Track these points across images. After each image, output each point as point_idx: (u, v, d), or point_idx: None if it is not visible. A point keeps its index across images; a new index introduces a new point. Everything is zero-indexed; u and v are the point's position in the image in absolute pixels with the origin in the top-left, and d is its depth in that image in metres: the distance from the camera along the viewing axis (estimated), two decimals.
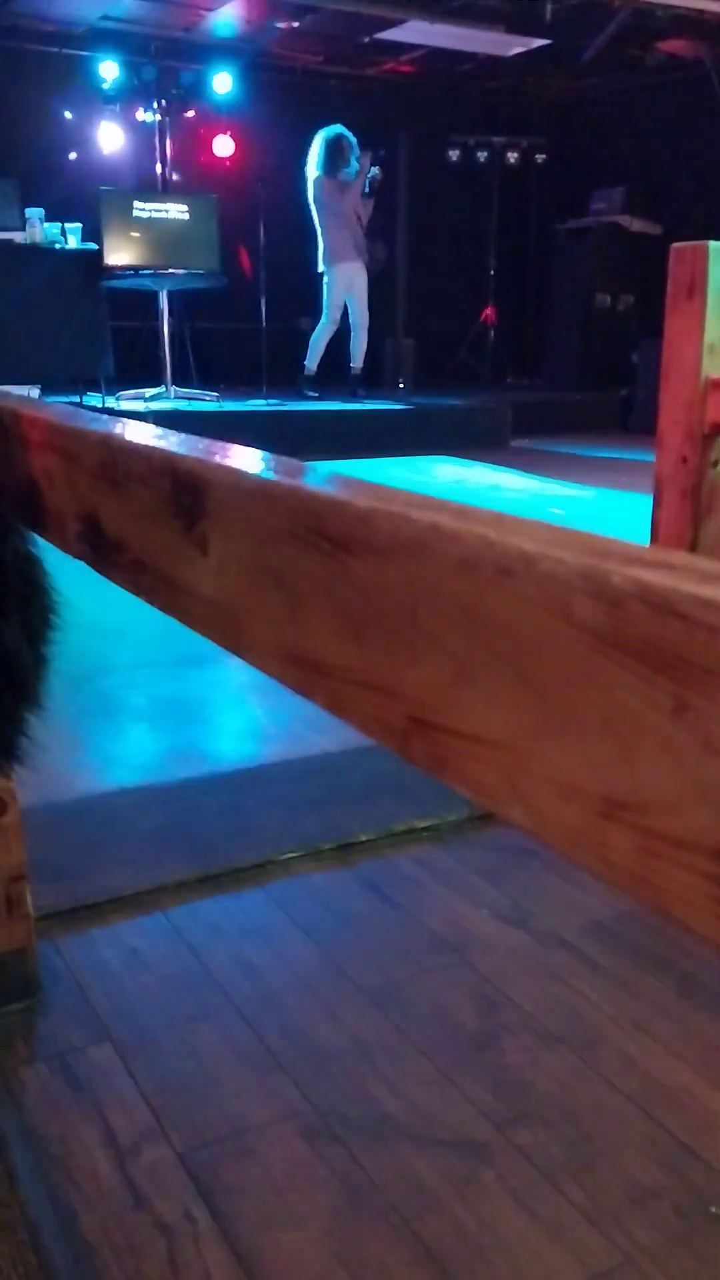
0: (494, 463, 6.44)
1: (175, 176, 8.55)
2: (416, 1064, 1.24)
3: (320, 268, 7.39)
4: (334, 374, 7.70)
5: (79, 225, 7.20)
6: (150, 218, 7.33)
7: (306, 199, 7.31)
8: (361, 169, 7.29)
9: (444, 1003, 1.35)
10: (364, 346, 7.61)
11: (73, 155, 8.08)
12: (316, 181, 7.23)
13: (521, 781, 0.39)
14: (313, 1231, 1.01)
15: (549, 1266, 0.97)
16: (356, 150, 7.26)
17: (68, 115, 8.09)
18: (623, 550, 0.36)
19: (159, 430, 0.72)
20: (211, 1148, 1.11)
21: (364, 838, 1.76)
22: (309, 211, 7.33)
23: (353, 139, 7.24)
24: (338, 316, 7.47)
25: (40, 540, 0.99)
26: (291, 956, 1.45)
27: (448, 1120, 1.15)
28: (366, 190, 7.31)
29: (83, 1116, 1.16)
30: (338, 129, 7.23)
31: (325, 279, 7.42)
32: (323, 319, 7.49)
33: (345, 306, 7.46)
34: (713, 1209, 1.03)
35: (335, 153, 7.21)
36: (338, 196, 7.26)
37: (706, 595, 0.30)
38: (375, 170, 7.39)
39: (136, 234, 7.27)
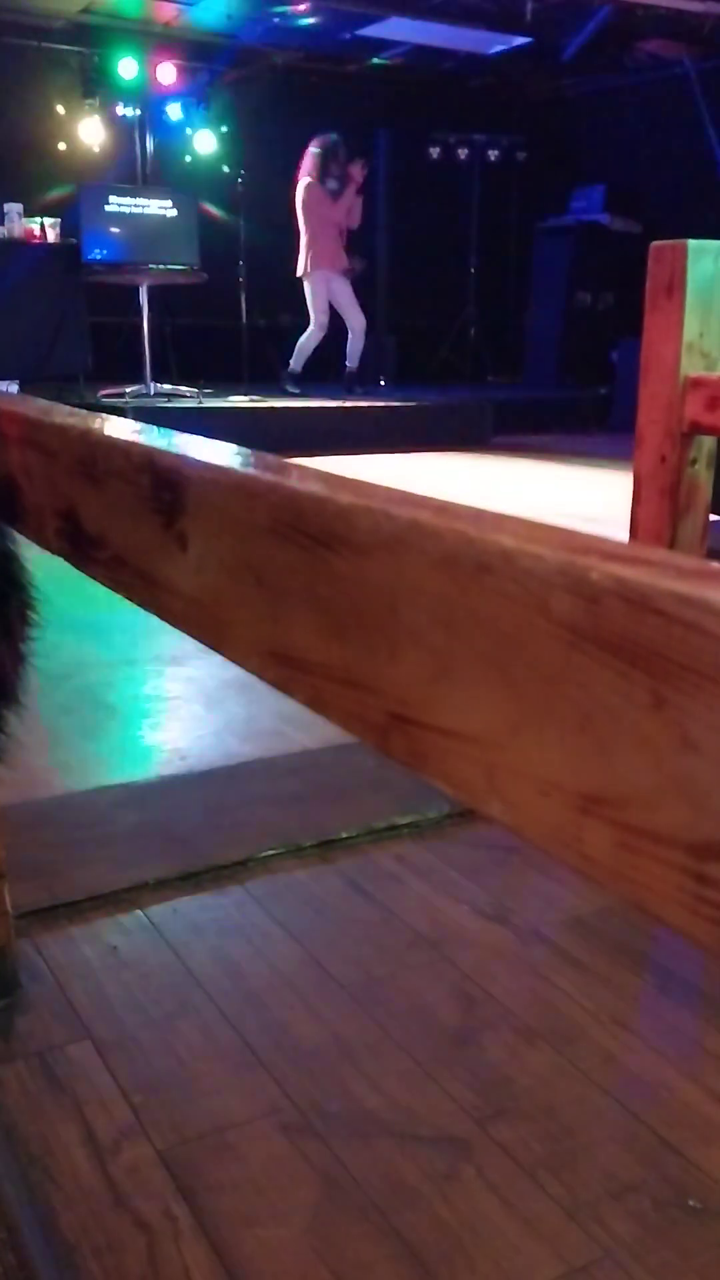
0: (475, 459, 6.45)
1: (155, 172, 8.52)
2: (397, 1060, 1.24)
3: (300, 273, 7.38)
4: (315, 371, 7.70)
5: (58, 220, 7.16)
6: (130, 213, 7.30)
7: (292, 200, 7.29)
8: (353, 182, 7.27)
9: (424, 999, 1.35)
10: (360, 348, 7.64)
11: (58, 147, 8.02)
12: (307, 187, 7.22)
13: (500, 777, 0.39)
14: (293, 1228, 1.01)
15: (528, 1261, 0.98)
16: (326, 153, 7.23)
17: (47, 109, 8.04)
18: (602, 546, 0.36)
19: (139, 426, 0.72)
20: (191, 1145, 1.11)
21: (345, 835, 1.76)
22: (292, 211, 7.31)
23: (333, 145, 7.22)
24: (324, 321, 7.47)
25: (19, 536, 0.99)
26: (272, 954, 1.45)
27: (428, 1116, 1.15)
28: (336, 185, 7.28)
29: (62, 1115, 1.15)
30: (334, 137, 7.22)
31: (306, 286, 7.41)
32: (311, 326, 7.50)
33: (330, 310, 7.46)
34: (691, 1202, 1.04)
35: (330, 161, 7.20)
36: (326, 204, 7.25)
37: (684, 591, 0.31)
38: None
39: (116, 229, 7.24)
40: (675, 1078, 1.21)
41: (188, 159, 8.48)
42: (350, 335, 7.60)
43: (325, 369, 7.76)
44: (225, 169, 8.19)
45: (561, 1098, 1.18)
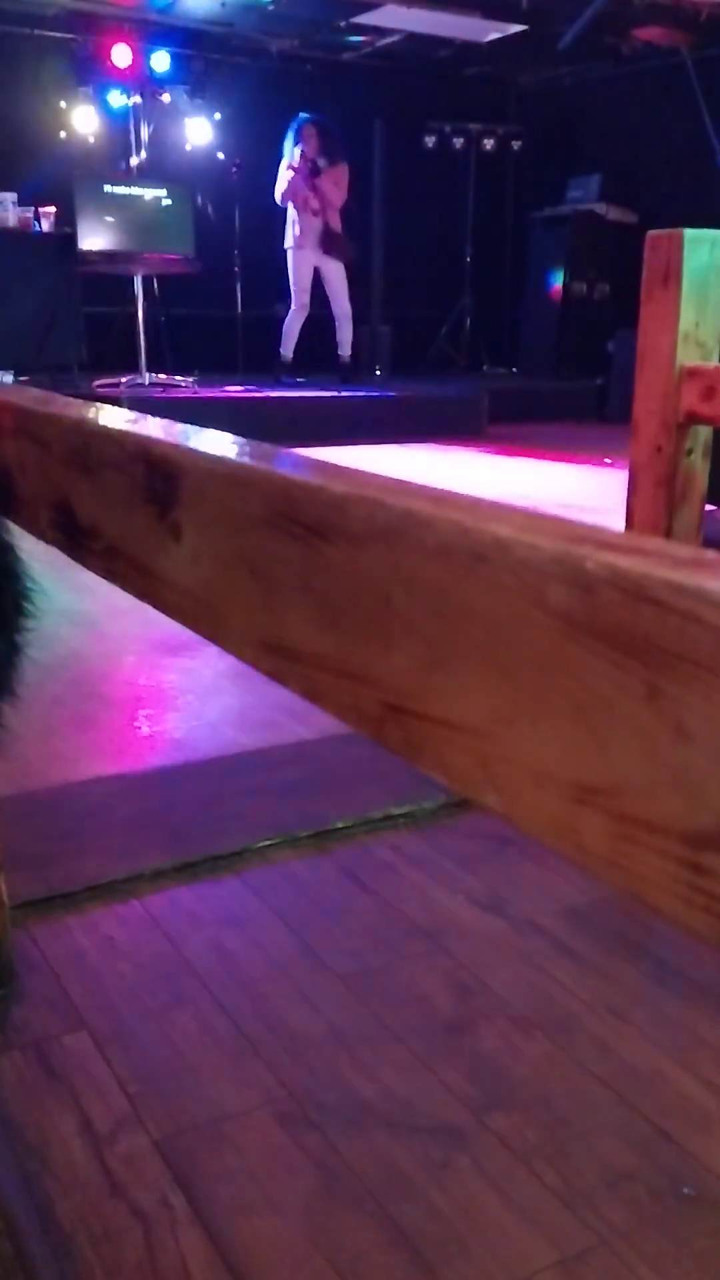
0: (470, 449, 6.45)
1: (150, 161, 8.48)
2: (393, 1050, 1.24)
3: (285, 244, 7.37)
4: (311, 360, 7.68)
5: (53, 209, 7.13)
6: (125, 202, 7.27)
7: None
8: (306, 152, 7.19)
9: (420, 989, 1.36)
10: (349, 335, 7.59)
11: (52, 136, 7.98)
12: (283, 169, 7.22)
13: (496, 767, 0.39)
14: (289, 1217, 1.01)
15: (524, 1249, 0.98)
16: (295, 137, 7.18)
17: (40, 98, 7.99)
18: (597, 536, 0.36)
19: (132, 415, 0.72)
20: (188, 1135, 1.11)
21: (341, 825, 1.77)
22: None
23: (311, 126, 7.15)
24: (305, 301, 7.44)
25: (14, 527, 0.99)
26: (268, 944, 1.45)
27: (424, 1106, 1.16)
28: (311, 170, 7.21)
29: (59, 1105, 1.15)
30: (304, 117, 7.18)
31: (289, 261, 7.39)
32: (292, 306, 7.47)
33: (311, 292, 7.43)
34: (686, 1190, 1.04)
35: (301, 142, 7.17)
36: (299, 185, 7.22)
37: (680, 581, 0.31)
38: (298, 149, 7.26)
39: (111, 219, 7.21)
40: (670, 1067, 1.21)
41: (182, 147, 8.45)
42: (337, 323, 7.56)
43: (320, 359, 7.74)
44: (220, 157, 8.16)
45: (557, 1087, 1.18)
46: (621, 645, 0.32)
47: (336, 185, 7.31)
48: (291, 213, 7.29)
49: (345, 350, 7.61)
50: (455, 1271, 0.96)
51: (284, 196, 7.26)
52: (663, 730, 0.32)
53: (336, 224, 7.37)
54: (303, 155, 7.16)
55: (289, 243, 7.32)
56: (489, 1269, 0.96)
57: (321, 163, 7.20)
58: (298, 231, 7.26)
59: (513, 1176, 1.06)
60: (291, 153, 7.21)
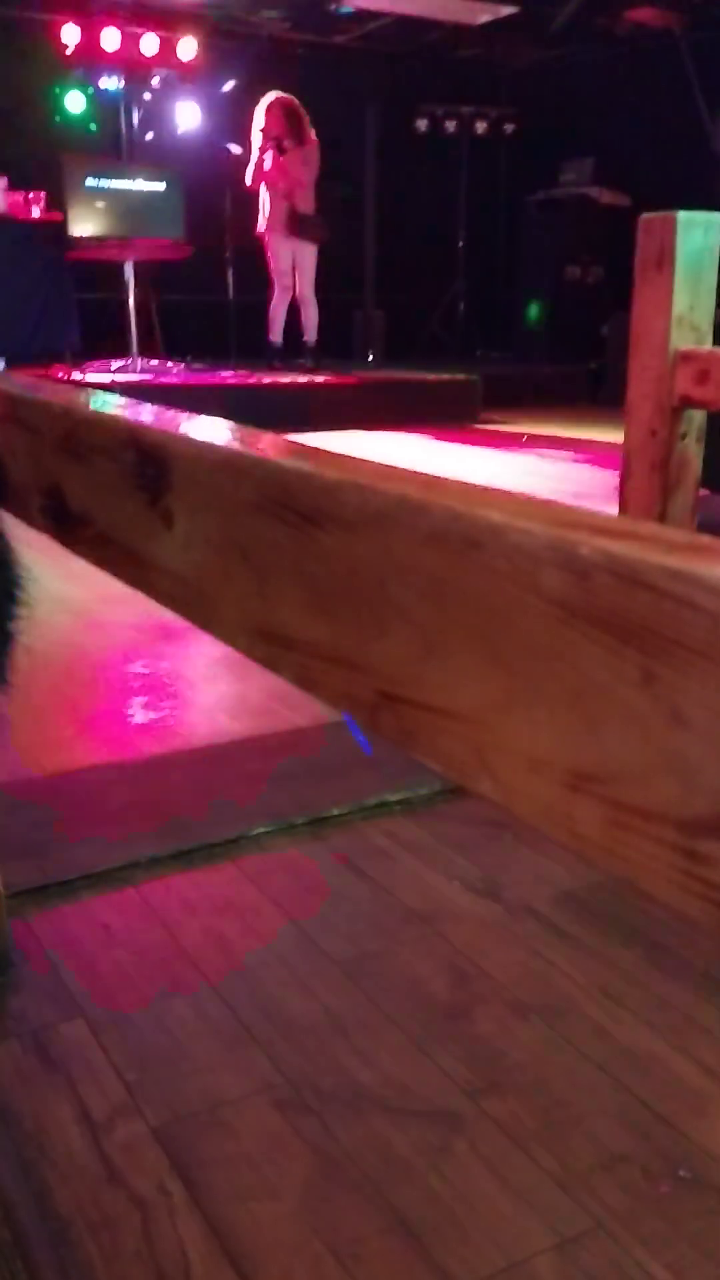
0: (464, 434, 6.43)
1: (140, 146, 8.42)
2: (389, 1035, 1.25)
3: (257, 231, 7.30)
4: (301, 345, 7.64)
5: (42, 194, 7.09)
6: (115, 188, 7.22)
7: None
8: (272, 132, 7.07)
9: (416, 974, 1.36)
10: (313, 318, 7.47)
11: (42, 122, 7.92)
12: (254, 150, 7.14)
13: (490, 754, 0.39)
14: (287, 1203, 1.02)
15: (521, 1232, 0.98)
16: (261, 115, 7.07)
17: (29, 82, 7.93)
18: (591, 521, 0.35)
19: (123, 401, 0.71)
20: (185, 1122, 1.12)
21: (336, 812, 1.77)
22: None
23: (280, 104, 7.03)
24: (287, 283, 7.36)
25: (4, 514, 0.98)
26: (264, 930, 1.45)
27: (420, 1090, 1.16)
28: (277, 149, 7.10)
29: (56, 1093, 1.16)
30: (271, 97, 7.07)
31: (266, 247, 7.33)
32: (276, 290, 7.42)
33: (291, 274, 7.36)
34: (681, 1173, 1.05)
35: (268, 122, 7.06)
36: (261, 169, 7.15)
37: (674, 566, 0.30)
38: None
39: (101, 204, 7.16)
40: (666, 1050, 1.22)
41: (173, 132, 8.39)
42: (301, 306, 7.47)
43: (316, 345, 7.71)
44: (211, 142, 8.10)
45: (553, 1071, 1.19)
46: (616, 631, 0.32)
47: (305, 165, 7.18)
48: (264, 196, 7.20)
49: (310, 335, 7.52)
50: (453, 1255, 0.96)
51: (253, 178, 7.17)
52: (658, 716, 0.31)
53: (307, 206, 7.24)
54: (268, 135, 7.04)
55: (261, 227, 7.25)
56: (487, 1252, 0.96)
57: (288, 143, 7.09)
58: (268, 215, 7.19)
59: (510, 1160, 1.06)
60: (256, 135, 7.11)
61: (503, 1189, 1.03)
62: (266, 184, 7.13)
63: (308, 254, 7.32)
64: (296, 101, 7.10)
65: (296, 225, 7.21)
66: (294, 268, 7.32)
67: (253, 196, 7.30)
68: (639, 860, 0.33)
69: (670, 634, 0.30)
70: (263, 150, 7.08)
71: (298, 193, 7.18)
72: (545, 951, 1.40)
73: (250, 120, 7.24)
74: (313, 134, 7.17)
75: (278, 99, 7.06)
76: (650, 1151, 1.07)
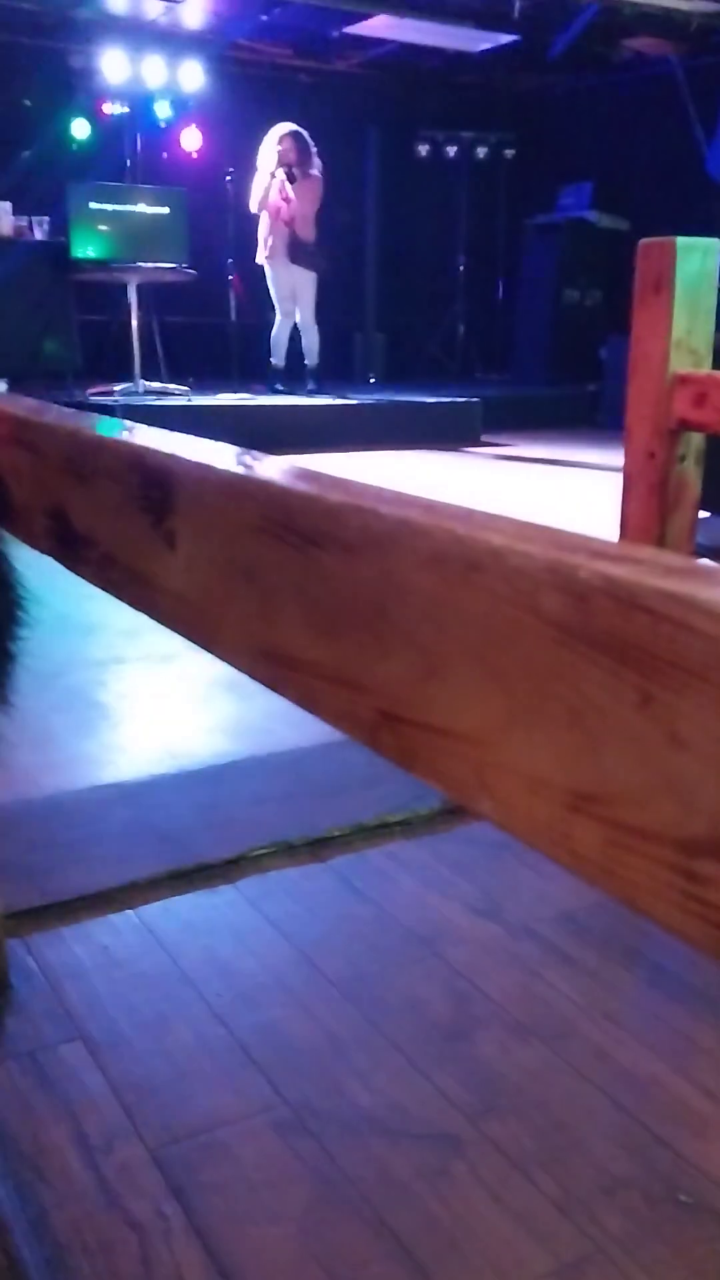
0: (464, 457, 6.46)
1: (143, 170, 8.50)
2: (389, 1057, 1.24)
3: (258, 259, 7.38)
4: (303, 369, 7.69)
5: (46, 218, 7.14)
6: (118, 211, 7.28)
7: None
8: (285, 160, 7.17)
9: (416, 995, 1.36)
10: (315, 343, 7.57)
11: (47, 145, 7.98)
12: (257, 179, 7.24)
13: (490, 774, 0.39)
14: (286, 1227, 1.01)
15: (521, 1257, 0.98)
16: (274, 144, 7.16)
17: (35, 107, 8.01)
18: (590, 545, 0.36)
19: (128, 424, 0.72)
20: (183, 1144, 1.11)
21: (336, 832, 1.77)
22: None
23: (289, 136, 7.15)
24: (288, 309, 7.44)
25: (8, 535, 0.99)
26: (263, 952, 1.45)
27: (420, 1113, 1.15)
28: (288, 177, 7.18)
29: (53, 1115, 1.15)
30: (286, 129, 7.19)
31: (266, 275, 7.41)
32: (278, 316, 7.50)
33: (293, 300, 7.43)
34: (683, 1197, 1.04)
35: (279, 152, 7.17)
36: (268, 196, 7.23)
37: (672, 589, 0.31)
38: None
39: (105, 227, 7.22)
40: (666, 1073, 1.21)
41: (176, 156, 8.46)
42: (302, 333, 7.56)
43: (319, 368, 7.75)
44: (214, 166, 8.17)
45: (553, 1093, 1.18)
46: (615, 653, 0.33)
47: (311, 195, 7.31)
48: (264, 224, 7.29)
49: (312, 360, 7.62)
50: None
51: (259, 204, 7.26)
52: (656, 737, 0.32)
53: (308, 235, 7.35)
54: (280, 163, 7.15)
55: (261, 257, 7.34)
56: (486, 1277, 0.96)
57: (297, 172, 7.20)
58: (270, 243, 7.28)
59: (510, 1184, 1.06)
60: (269, 160, 7.21)
61: (502, 1213, 1.02)
62: (270, 211, 7.21)
63: (308, 282, 7.39)
64: (306, 134, 7.20)
65: (298, 254, 7.29)
66: (294, 295, 7.39)
67: (254, 221, 7.37)
68: (638, 881, 0.34)
69: (668, 656, 0.31)
70: (272, 176, 7.16)
71: (300, 222, 7.26)
72: (545, 973, 1.40)
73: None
74: (319, 166, 7.26)
75: (292, 129, 7.16)
76: (651, 1175, 1.07)
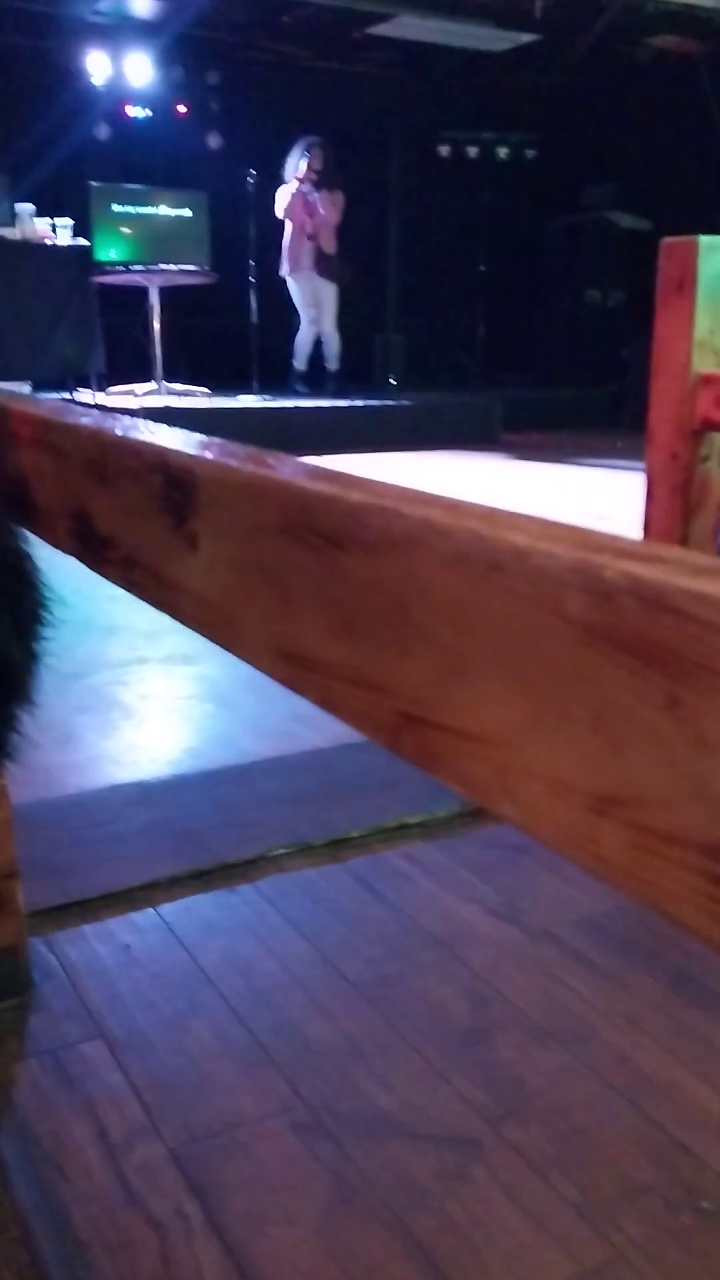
0: (485, 458, 6.44)
1: (166, 171, 8.52)
2: (408, 1059, 1.24)
3: (281, 272, 7.45)
4: (324, 372, 7.71)
5: (69, 221, 7.18)
6: (141, 213, 7.31)
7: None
8: (314, 167, 7.22)
9: (435, 998, 1.35)
10: (336, 349, 7.66)
11: (68, 148, 8.02)
12: (281, 190, 7.29)
13: (513, 777, 0.39)
14: (304, 1227, 1.01)
15: (540, 1261, 0.97)
16: (302, 154, 7.21)
17: (57, 110, 8.04)
18: (615, 544, 0.36)
19: (150, 426, 0.72)
20: (203, 1144, 1.11)
21: (355, 834, 1.76)
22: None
23: (318, 147, 7.20)
24: (312, 315, 7.52)
25: (31, 536, 0.99)
26: (283, 952, 1.45)
27: (439, 1116, 1.15)
28: (309, 186, 7.22)
29: (74, 1113, 1.16)
30: (311, 140, 7.24)
31: (289, 286, 7.48)
32: (302, 323, 7.56)
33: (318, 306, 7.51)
34: (704, 1204, 1.04)
35: (304, 163, 7.22)
36: (295, 206, 7.27)
37: (699, 589, 0.30)
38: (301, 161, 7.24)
39: (127, 230, 7.25)
40: (687, 1078, 1.20)
41: (198, 159, 8.49)
42: (323, 341, 7.65)
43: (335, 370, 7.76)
44: (236, 168, 8.19)
45: (573, 1098, 1.18)
46: (641, 654, 0.32)
47: (335, 207, 7.39)
48: (287, 233, 7.34)
49: (332, 364, 7.73)
50: None
51: (285, 211, 7.31)
52: (682, 740, 0.31)
53: (330, 245, 7.41)
54: (309, 169, 7.19)
55: (284, 270, 7.41)
56: None
57: (323, 186, 7.26)
58: (291, 255, 7.34)
59: (529, 1188, 1.05)
60: (298, 166, 7.25)
61: (522, 1217, 1.02)
62: (296, 220, 7.25)
63: (329, 292, 7.45)
64: (331, 146, 7.27)
65: (321, 264, 7.34)
66: (317, 303, 7.44)
67: (281, 223, 7.40)
68: (663, 886, 0.33)
69: (695, 658, 0.30)
70: (302, 184, 7.20)
71: (324, 233, 7.32)
72: (565, 977, 1.39)
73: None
74: (339, 180, 7.34)
75: (319, 142, 7.21)
76: (671, 1181, 1.06)
